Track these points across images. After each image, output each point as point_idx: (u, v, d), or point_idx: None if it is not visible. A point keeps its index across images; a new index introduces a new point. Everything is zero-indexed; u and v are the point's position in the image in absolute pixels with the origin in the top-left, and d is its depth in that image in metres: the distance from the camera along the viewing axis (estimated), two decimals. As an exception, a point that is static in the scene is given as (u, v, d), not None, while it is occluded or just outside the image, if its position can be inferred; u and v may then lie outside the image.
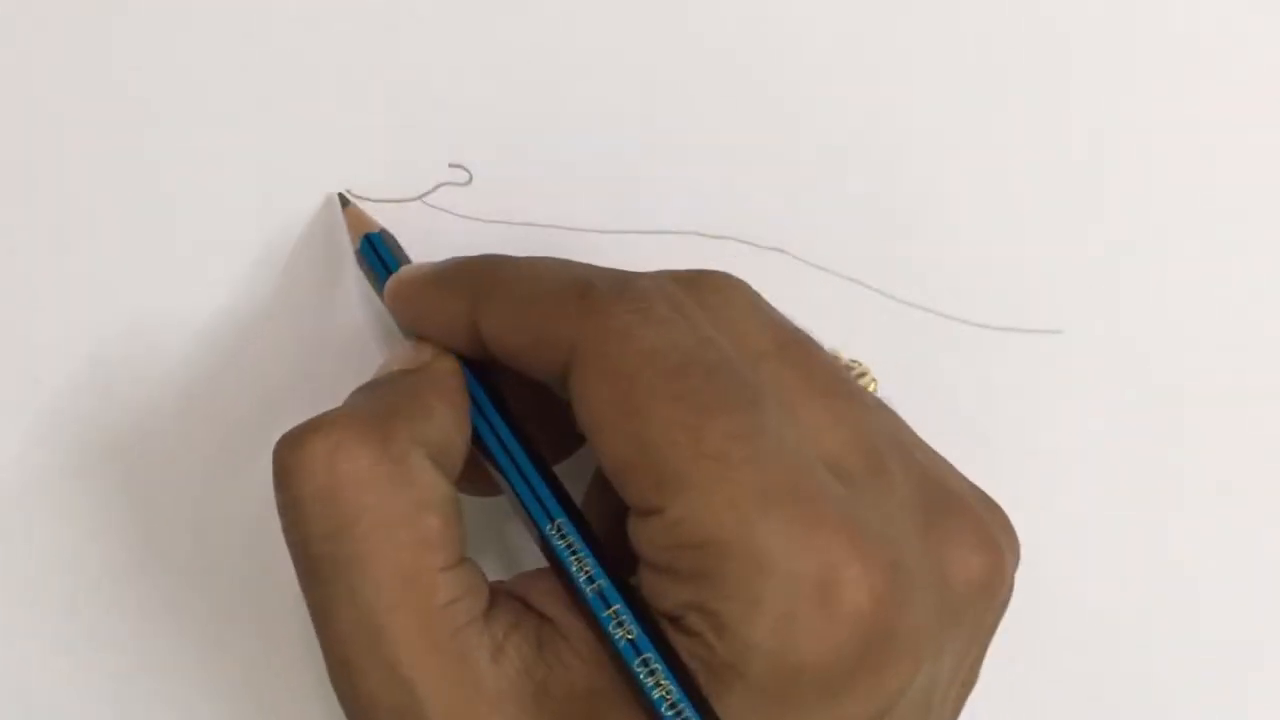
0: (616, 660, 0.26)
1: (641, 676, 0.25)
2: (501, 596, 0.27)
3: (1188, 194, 0.36)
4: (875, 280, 0.35)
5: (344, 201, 0.33)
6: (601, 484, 0.30)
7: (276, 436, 0.27)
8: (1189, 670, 0.36)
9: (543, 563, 0.28)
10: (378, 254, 0.31)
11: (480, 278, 0.28)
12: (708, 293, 0.28)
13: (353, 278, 0.34)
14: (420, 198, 0.34)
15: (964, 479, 0.29)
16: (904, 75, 0.36)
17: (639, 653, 0.25)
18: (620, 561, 0.27)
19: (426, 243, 0.34)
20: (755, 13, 0.35)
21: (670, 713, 0.25)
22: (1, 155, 0.33)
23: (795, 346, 0.28)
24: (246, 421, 0.33)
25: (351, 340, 0.34)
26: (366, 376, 0.29)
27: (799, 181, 0.35)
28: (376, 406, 0.27)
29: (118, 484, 0.33)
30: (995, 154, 0.36)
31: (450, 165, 0.34)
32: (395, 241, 0.32)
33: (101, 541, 0.33)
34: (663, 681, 0.25)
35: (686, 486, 0.25)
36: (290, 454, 0.26)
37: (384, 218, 0.33)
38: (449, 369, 0.29)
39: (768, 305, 0.29)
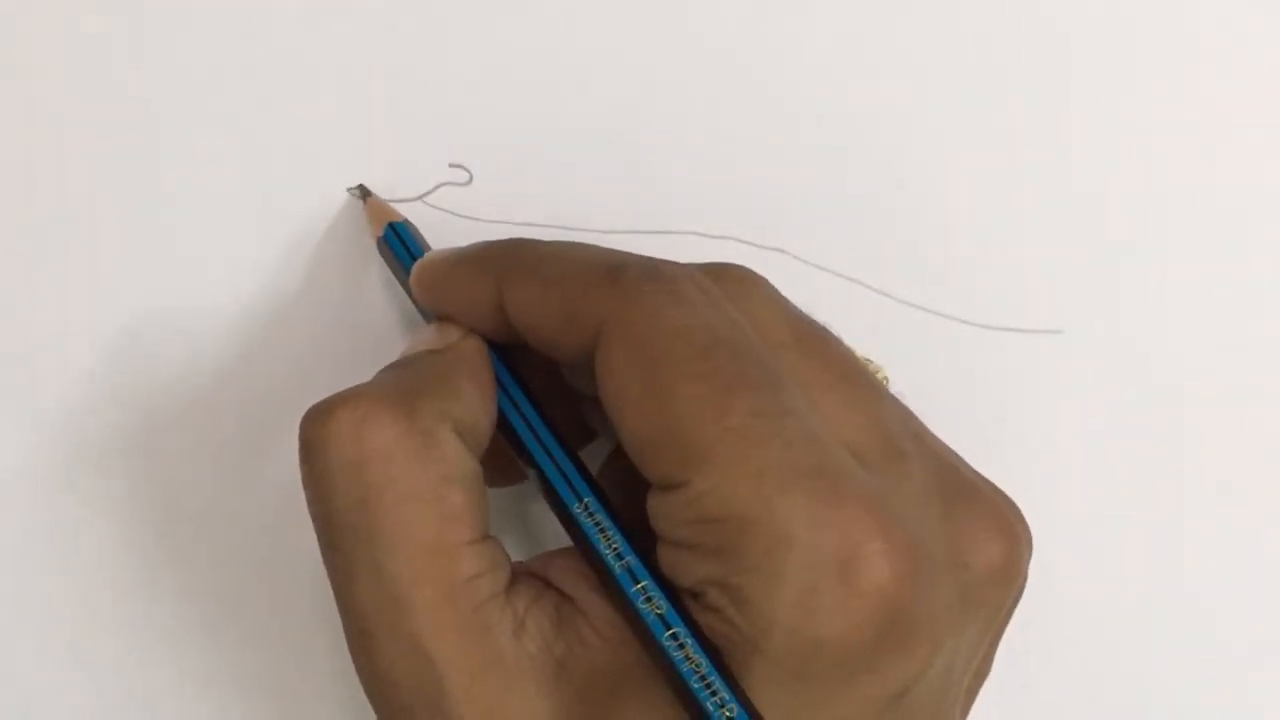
0: (643, 636, 0.26)
1: (671, 650, 0.25)
2: (521, 575, 0.28)
3: (1188, 194, 0.36)
4: (875, 280, 0.35)
5: (364, 193, 0.33)
6: (606, 481, 0.31)
7: (296, 428, 0.27)
8: (1188, 669, 0.36)
9: (561, 544, 0.28)
10: (402, 242, 0.32)
11: (507, 258, 0.28)
12: (730, 284, 0.28)
13: (372, 271, 0.34)
14: (420, 198, 0.34)
15: (976, 470, 0.29)
16: (904, 75, 0.36)
17: (668, 627, 0.25)
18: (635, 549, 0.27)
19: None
20: (755, 13, 0.35)
21: (699, 685, 0.25)
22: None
23: (812, 338, 0.28)
24: (266, 413, 0.33)
25: (371, 333, 0.34)
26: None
27: (799, 181, 0.35)
28: (404, 383, 0.27)
29: (134, 477, 0.33)
30: (995, 154, 0.36)
31: (450, 165, 0.34)
32: (417, 231, 0.32)
33: (118, 534, 0.33)
34: (692, 655, 0.25)
35: (710, 461, 0.25)
36: (318, 425, 0.26)
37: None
38: (475, 349, 0.29)
39: (785, 299, 0.29)
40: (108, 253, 0.33)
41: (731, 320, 0.27)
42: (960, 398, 0.36)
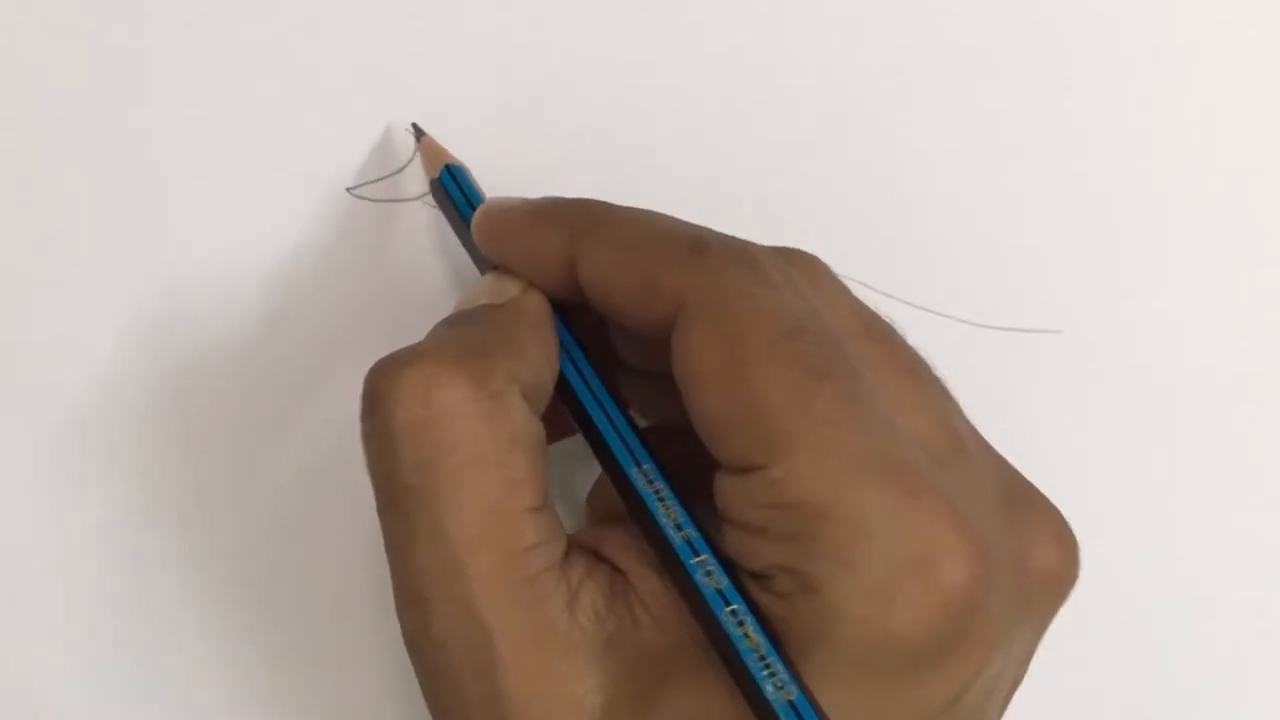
0: (699, 611, 0.25)
1: (729, 627, 0.25)
2: (575, 547, 0.27)
3: (1188, 194, 0.36)
4: (876, 280, 0.35)
5: (419, 133, 0.33)
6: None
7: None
8: (1187, 668, 0.36)
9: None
10: (459, 186, 0.31)
11: (583, 216, 0.28)
12: (800, 269, 0.28)
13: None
14: (420, 197, 0.34)
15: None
16: (905, 76, 0.36)
17: (728, 603, 0.25)
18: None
19: (426, 243, 0.34)
20: (757, 13, 0.35)
21: (757, 664, 0.24)
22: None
23: (880, 329, 0.28)
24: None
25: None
26: (433, 318, 0.29)
27: (799, 182, 0.35)
28: (471, 341, 0.27)
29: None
30: (996, 154, 0.36)
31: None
32: (472, 175, 0.32)
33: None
34: (752, 634, 0.24)
35: (793, 446, 0.25)
36: (384, 383, 0.26)
37: (384, 217, 0.33)
38: (539, 305, 0.28)
39: (848, 288, 0.29)
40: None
41: (813, 308, 0.26)
42: (960, 398, 0.36)
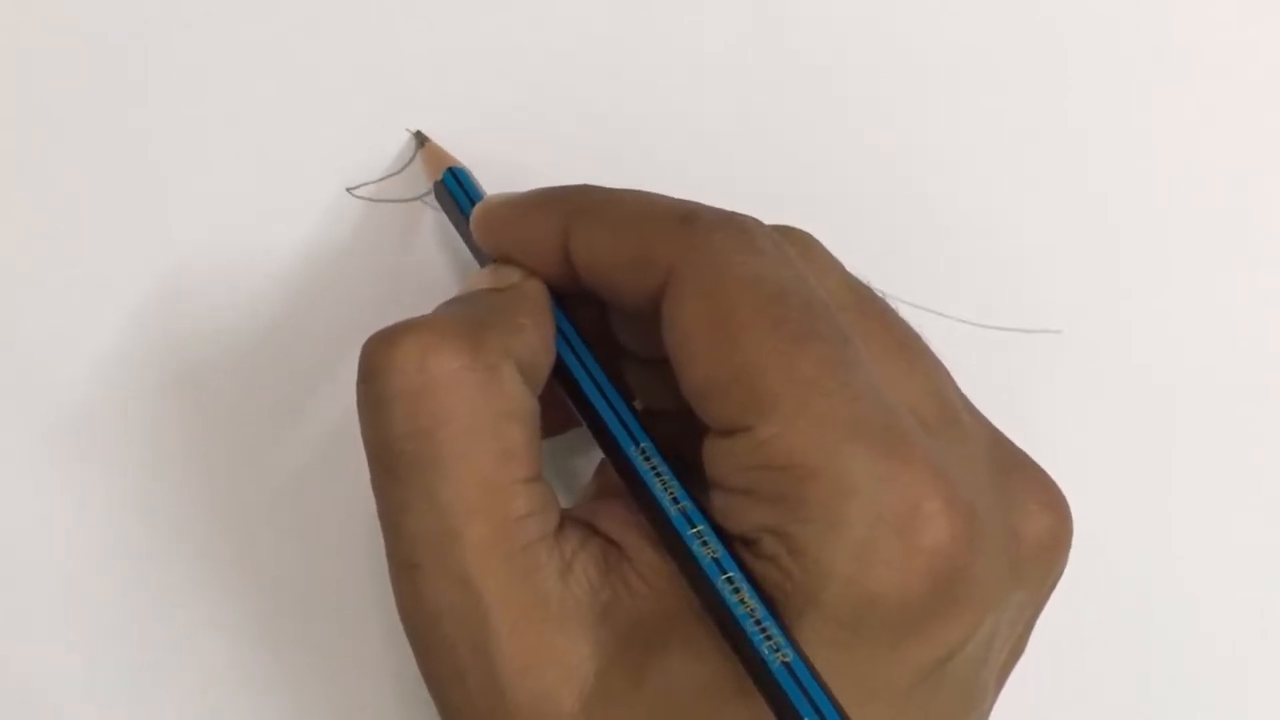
0: (695, 581, 0.26)
1: (726, 594, 0.25)
2: (569, 520, 0.28)
3: (1188, 194, 0.36)
4: (876, 279, 0.35)
5: (421, 139, 0.33)
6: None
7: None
8: (1187, 668, 0.36)
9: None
10: (461, 186, 0.32)
11: (575, 200, 0.28)
12: (794, 244, 0.28)
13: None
14: (420, 198, 0.34)
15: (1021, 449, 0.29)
16: (905, 76, 0.36)
17: (723, 571, 0.25)
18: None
19: (426, 243, 0.34)
20: (758, 14, 0.35)
21: (754, 630, 0.25)
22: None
23: (872, 303, 0.29)
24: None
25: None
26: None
27: (800, 182, 0.35)
28: (470, 316, 0.27)
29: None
30: (996, 154, 0.36)
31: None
32: (474, 177, 0.32)
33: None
34: (748, 600, 0.25)
35: (778, 407, 0.25)
36: (381, 351, 0.26)
37: (383, 217, 0.33)
38: (537, 289, 0.29)
39: (843, 265, 0.29)
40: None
41: (801, 274, 0.27)
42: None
